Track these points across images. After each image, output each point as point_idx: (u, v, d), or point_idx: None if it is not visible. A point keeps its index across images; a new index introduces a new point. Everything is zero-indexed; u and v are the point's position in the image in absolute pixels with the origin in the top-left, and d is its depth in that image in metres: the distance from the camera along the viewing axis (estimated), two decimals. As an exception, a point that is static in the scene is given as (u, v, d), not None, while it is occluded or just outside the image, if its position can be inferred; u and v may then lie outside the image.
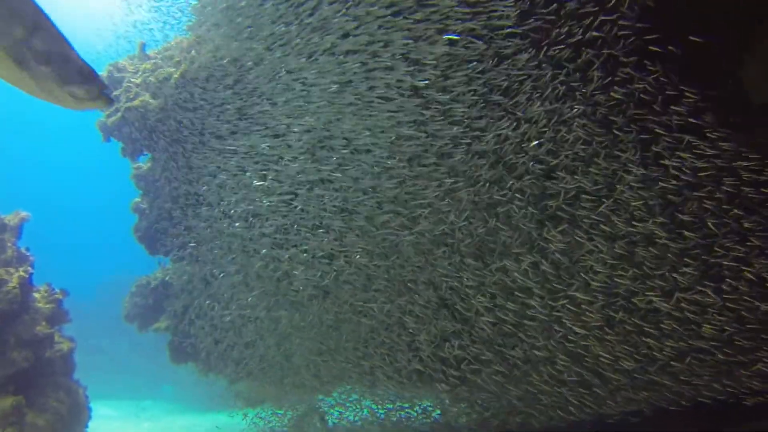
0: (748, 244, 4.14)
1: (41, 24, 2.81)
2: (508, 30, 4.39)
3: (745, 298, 4.24)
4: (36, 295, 8.05)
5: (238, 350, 8.07)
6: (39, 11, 2.85)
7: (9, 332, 7.20)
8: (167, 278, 10.78)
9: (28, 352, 7.29)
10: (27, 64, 2.78)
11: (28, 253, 8.46)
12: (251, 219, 6.55)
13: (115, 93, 7.32)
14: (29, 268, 7.75)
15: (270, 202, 6.21)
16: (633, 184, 4.33)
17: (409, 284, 5.63)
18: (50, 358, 8.02)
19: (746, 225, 4.12)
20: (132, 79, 7.18)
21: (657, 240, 4.40)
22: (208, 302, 8.28)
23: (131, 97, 6.98)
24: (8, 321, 7.15)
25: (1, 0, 2.71)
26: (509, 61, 4.50)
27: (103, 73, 7.73)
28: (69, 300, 9.32)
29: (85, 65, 2.98)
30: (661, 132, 4.12)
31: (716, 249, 4.27)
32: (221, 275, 7.81)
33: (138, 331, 11.75)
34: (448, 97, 4.67)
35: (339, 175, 5.47)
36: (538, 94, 4.48)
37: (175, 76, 6.50)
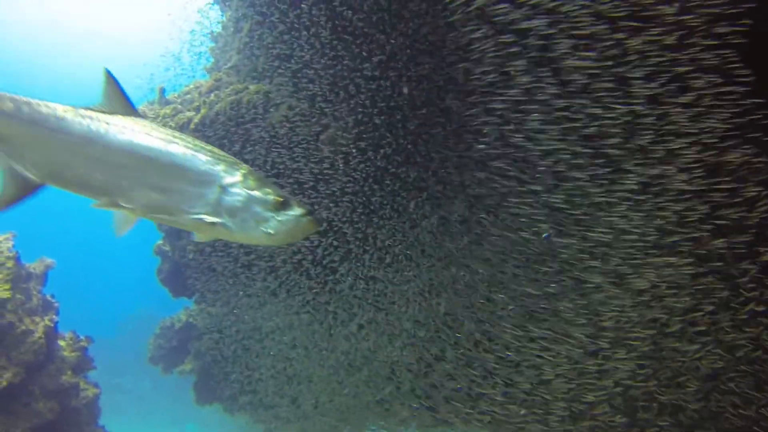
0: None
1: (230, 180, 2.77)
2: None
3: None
4: (61, 342, 8.00)
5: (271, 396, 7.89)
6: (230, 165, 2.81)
7: (35, 383, 7.13)
8: (191, 320, 10.72)
9: (54, 402, 7.21)
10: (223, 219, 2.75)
11: (53, 300, 8.46)
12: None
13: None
14: (54, 316, 7.73)
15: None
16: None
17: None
18: (76, 407, 7.93)
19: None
20: (153, 125, 7.21)
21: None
22: (235, 346, 8.17)
23: (152, 143, 7.00)
24: (34, 372, 7.09)
25: (198, 171, 2.72)
26: None
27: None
28: (92, 338, 9.30)
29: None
30: None
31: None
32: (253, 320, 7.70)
33: (162, 373, 11.67)
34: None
35: None
36: None
37: (195, 120, 6.51)
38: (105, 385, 9.45)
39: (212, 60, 8.41)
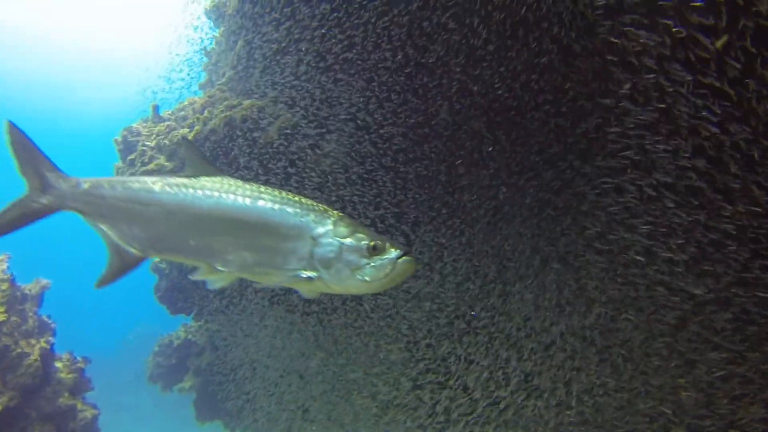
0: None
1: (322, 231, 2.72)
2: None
3: None
4: (58, 364, 7.91)
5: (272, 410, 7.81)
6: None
7: (31, 406, 7.03)
8: (190, 336, 10.63)
9: (51, 426, 7.10)
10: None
11: (49, 321, 8.37)
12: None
13: (130, 157, 7.32)
14: (50, 337, 7.63)
15: None
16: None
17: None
18: (73, 430, 7.80)
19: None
20: (147, 143, 7.19)
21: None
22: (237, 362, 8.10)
23: (146, 161, 6.97)
24: (30, 395, 6.99)
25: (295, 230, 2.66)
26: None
27: (117, 137, 7.79)
28: (91, 357, 9.21)
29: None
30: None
31: None
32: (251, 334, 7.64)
33: (162, 391, 11.55)
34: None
35: None
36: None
37: (189, 137, 6.47)
38: (106, 404, 9.35)
39: (206, 76, 8.40)
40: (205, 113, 6.66)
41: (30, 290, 8.23)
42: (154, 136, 7.21)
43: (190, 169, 2.86)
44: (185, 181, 2.82)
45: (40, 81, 30.65)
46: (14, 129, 2.95)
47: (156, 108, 7.91)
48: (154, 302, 10.09)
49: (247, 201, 2.71)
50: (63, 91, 31.90)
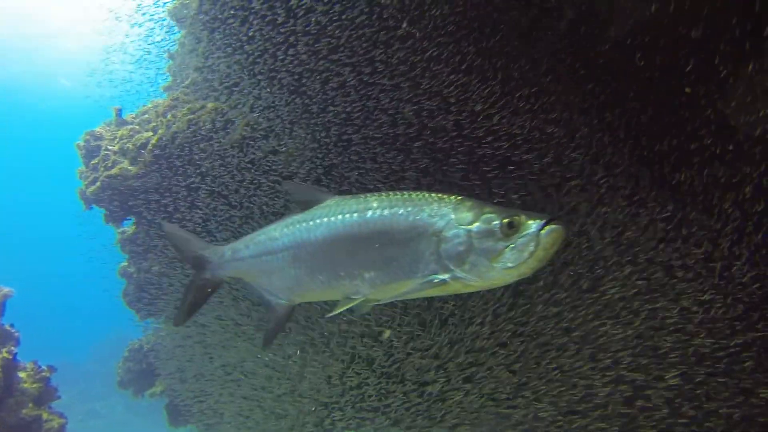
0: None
1: None
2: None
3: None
4: (22, 374, 7.73)
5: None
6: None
7: (-6, 418, 6.88)
8: (160, 341, 10.49)
9: (15, 437, 6.96)
10: None
11: (12, 330, 8.17)
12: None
13: (92, 162, 7.21)
14: (13, 347, 7.46)
15: None
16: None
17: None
18: (40, 440, 7.65)
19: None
20: (110, 147, 7.09)
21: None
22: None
23: (109, 165, 6.87)
24: (-7, 406, 6.84)
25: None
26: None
27: (79, 142, 7.65)
28: (61, 364, 9.03)
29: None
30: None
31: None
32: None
33: (133, 396, 11.38)
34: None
35: None
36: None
37: (153, 141, 6.41)
38: (76, 411, 9.19)
39: (170, 78, 8.30)
40: (169, 116, 6.60)
41: (-9, 299, 8.02)
42: (117, 139, 7.11)
43: (300, 204, 2.77)
44: (298, 216, 2.73)
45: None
46: (170, 225, 3.46)
47: (119, 111, 7.79)
48: (124, 307, 9.95)
49: (356, 216, 2.48)
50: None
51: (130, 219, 8.22)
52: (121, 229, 8.55)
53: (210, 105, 6.39)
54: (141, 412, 16.50)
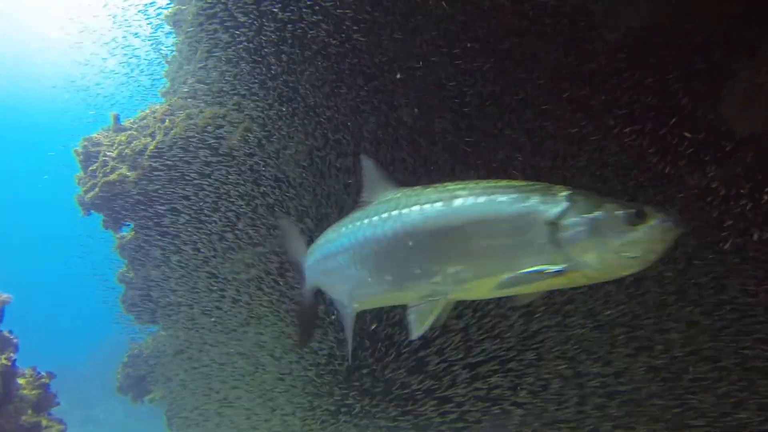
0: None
1: None
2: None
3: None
4: (21, 380, 7.71)
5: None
6: None
7: (-7, 425, 6.86)
8: (159, 346, 10.47)
9: (14, 444, 6.94)
10: None
11: (11, 336, 8.15)
12: None
13: (91, 168, 7.21)
14: (12, 354, 7.45)
15: None
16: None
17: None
18: (39, 448, 7.64)
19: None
20: (108, 153, 7.09)
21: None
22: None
23: (108, 171, 6.87)
24: (-9, 413, 6.83)
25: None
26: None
27: (77, 148, 7.65)
28: (59, 368, 9.01)
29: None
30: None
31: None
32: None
33: (132, 402, 11.37)
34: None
35: None
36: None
37: (151, 147, 6.41)
38: (75, 417, 9.18)
39: (167, 83, 8.31)
40: (167, 122, 6.61)
41: (-11, 305, 8.00)
42: (116, 145, 7.11)
43: (367, 192, 2.53)
44: (359, 213, 2.49)
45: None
46: (284, 220, 3.25)
47: (117, 117, 7.80)
48: (122, 311, 9.94)
49: (439, 205, 2.21)
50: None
51: (128, 224, 8.23)
52: (120, 235, 8.55)
53: (208, 110, 6.39)
54: (140, 417, 16.47)
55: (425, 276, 2.23)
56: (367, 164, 2.61)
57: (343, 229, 2.54)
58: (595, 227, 2.05)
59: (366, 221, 2.42)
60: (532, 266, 2.07)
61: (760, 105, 3.23)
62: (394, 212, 2.32)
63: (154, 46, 8.41)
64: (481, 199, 2.16)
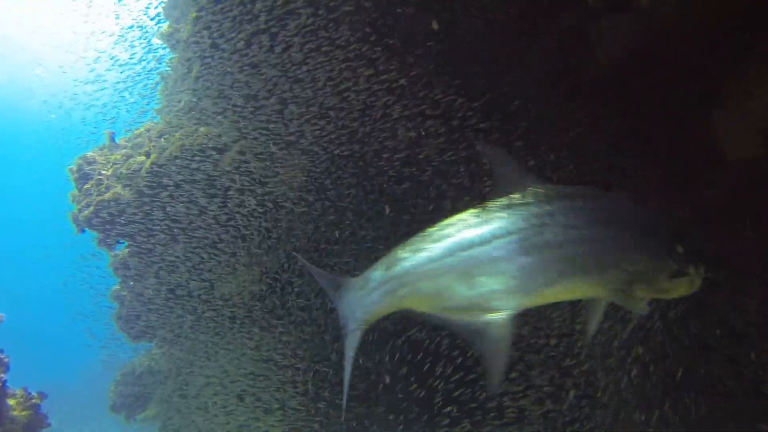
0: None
1: None
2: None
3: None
4: (11, 401, 7.61)
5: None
6: None
7: (-18, 448, 6.76)
8: (153, 364, 10.37)
9: (4, 467, 6.83)
10: None
11: (2, 355, 8.06)
12: None
13: (86, 186, 7.19)
14: (2, 374, 7.37)
15: None
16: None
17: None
18: (29, 468, 7.51)
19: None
20: (103, 171, 7.08)
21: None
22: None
23: (102, 190, 6.86)
24: (-19, 436, 6.72)
25: None
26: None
27: (72, 166, 7.63)
28: (50, 385, 8.89)
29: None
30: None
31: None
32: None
33: (125, 421, 11.22)
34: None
35: None
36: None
37: (146, 166, 6.41)
38: (68, 436, 9.05)
39: (163, 102, 8.32)
40: (162, 140, 6.61)
41: (-19, 325, 7.93)
42: (111, 164, 7.10)
43: (500, 189, 2.40)
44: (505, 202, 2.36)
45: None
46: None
47: (112, 136, 7.80)
48: (116, 330, 9.85)
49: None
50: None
51: (123, 243, 8.19)
52: (114, 253, 8.50)
53: (203, 129, 6.41)
54: (135, 434, 16.23)
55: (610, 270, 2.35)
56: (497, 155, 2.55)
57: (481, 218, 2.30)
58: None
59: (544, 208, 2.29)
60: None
61: (750, 129, 3.29)
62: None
63: (148, 63, 8.43)
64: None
